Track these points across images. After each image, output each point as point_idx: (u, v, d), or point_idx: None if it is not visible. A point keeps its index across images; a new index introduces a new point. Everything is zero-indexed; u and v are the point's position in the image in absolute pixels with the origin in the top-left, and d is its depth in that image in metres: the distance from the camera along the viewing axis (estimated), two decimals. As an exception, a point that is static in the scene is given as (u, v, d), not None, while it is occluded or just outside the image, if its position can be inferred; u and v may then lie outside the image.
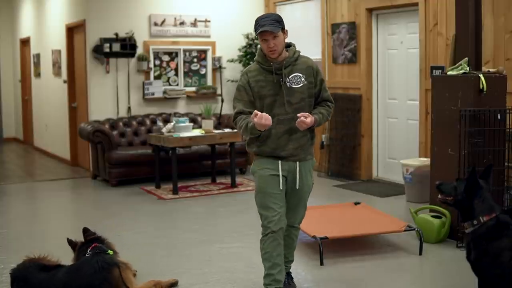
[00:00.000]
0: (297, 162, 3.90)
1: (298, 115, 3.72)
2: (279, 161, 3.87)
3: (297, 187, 3.92)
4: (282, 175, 3.86)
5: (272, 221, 3.83)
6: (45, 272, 4.06)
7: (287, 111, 3.83)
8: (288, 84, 3.83)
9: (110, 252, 4.16)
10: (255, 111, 3.70)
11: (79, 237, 4.40)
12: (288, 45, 3.92)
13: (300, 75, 3.86)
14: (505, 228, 3.48)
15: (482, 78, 5.14)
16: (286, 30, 3.84)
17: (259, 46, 3.94)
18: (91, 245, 4.21)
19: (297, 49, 3.96)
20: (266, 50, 3.79)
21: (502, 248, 3.43)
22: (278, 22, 3.75)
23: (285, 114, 3.84)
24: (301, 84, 3.86)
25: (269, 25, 3.70)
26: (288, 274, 4.28)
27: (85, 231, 4.43)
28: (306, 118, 3.71)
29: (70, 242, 4.42)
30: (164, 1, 9.28)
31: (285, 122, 3.84)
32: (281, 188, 3.86)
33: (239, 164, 8.74)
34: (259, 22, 3.75)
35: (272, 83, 3.84)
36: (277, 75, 3.84)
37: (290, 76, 3.84)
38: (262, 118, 3.65)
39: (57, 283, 3.98)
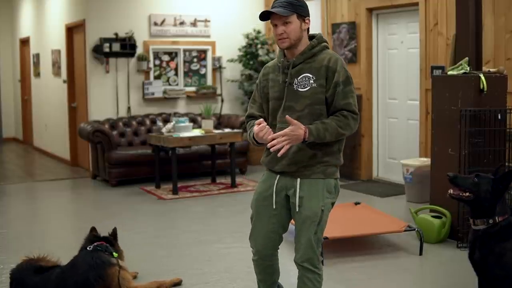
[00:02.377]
0: (298, 179, 3.19)
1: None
2: (277, 176, 3.26)
3: (297, 210, 3.19)
4: (282, 193, 3.25)
5: (258, 245, 3.37)
6: (40, 275, 4.05)
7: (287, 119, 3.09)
8: (295, 86, 3.14)
9: (115, 254, 4.14)
10: (260, 119, 3.13)
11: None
12: (312, 37, 3.23)
13: (310, 76, 3.12)
14: None
15: (483, 78, 5.13)
16: (308, 19, 3.15)
17: None
18: (99, 241, 4.21)
19: (323, 42, 3.21)
20: (276, 38, 3.15)
21: (508, 249, 3.40)
22: (291, 5, 3.07)
23: (284, 123, 3.11)
24: (308, 88, 3.12)
25: (279, 7, 3.06)
26: None
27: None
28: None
29: (92, 229, 4.39)
30: (164, 1, 9.27)
31: None
32: (274, 207, 3.26)
33: (239, 164, 8.73)
34: (272, 5, 3.13)
35: (279, 84, 3.21)
36: (284, 74, 3.19)
37: (300, 77, 3.14)
38: (262, 131, 3.06)
39: (53, 283, 3.99)
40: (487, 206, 3.47)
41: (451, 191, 3.61)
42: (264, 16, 3.14)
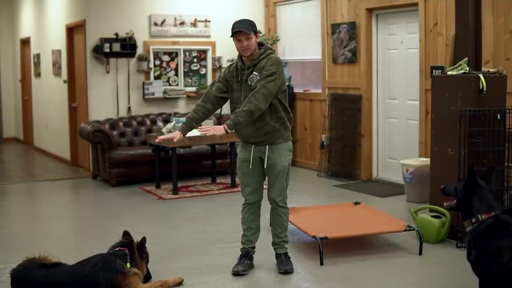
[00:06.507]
0: (267, 146, 4.51)
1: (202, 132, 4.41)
2: (252, 146, 4.55)
3: (265, 167, 4.52)
4: (257, 157, 4.53)
5: (247, 195, 4.63)
6: (45, 269, 4.08)
7: None
8: (249, 82, 4.44)
9: (128, 265, 4.15)
10: (177, 133, 4.79)
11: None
12: (261, 44, 4.49)
13: (256, 73, 4.41)
14: (504, 228, 3.48)
15: (482, 78, 5.14)
16: (258, 34, 4.48)
17: None
18: (123, 247, 4.24)
19: (268, 50, 4.47)
20: (240, 49, 4.40)
21: (502, 248, 3.42)
22: (251, 26, 4.39)
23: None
24: (255, 82, 4.39)
25: (243, 28, 4.33)
26: (286, 254, 4.68)
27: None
28: (208, 131, 4.35)
29: (124, 234, 4.41)
30: (164, 1, 9.28)
31: None
32: (250, 167, 4.54)
33: (239, 164, 8.72)
34: (234, 26, 4.36)
35: (237, 80, 4.52)
36: (242, 74, 4.48)
37: (250, 75, 4.43)
38: (169, 138, 4.72)
39: (61, 277, 4.01)
40: (466, 206, 3.61)
41: (445, 203, 3.81)
42: (232, 32, 4.35)
